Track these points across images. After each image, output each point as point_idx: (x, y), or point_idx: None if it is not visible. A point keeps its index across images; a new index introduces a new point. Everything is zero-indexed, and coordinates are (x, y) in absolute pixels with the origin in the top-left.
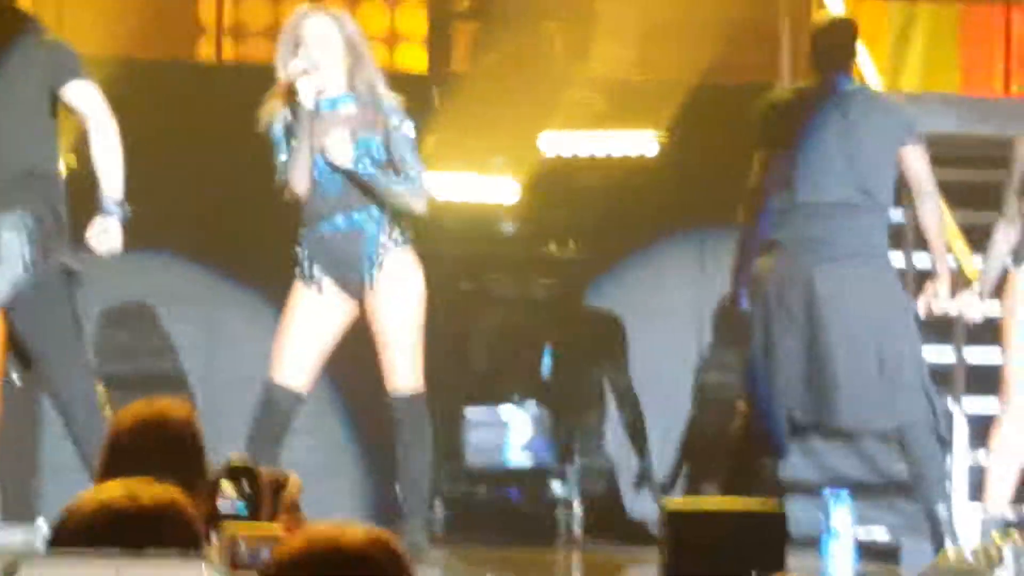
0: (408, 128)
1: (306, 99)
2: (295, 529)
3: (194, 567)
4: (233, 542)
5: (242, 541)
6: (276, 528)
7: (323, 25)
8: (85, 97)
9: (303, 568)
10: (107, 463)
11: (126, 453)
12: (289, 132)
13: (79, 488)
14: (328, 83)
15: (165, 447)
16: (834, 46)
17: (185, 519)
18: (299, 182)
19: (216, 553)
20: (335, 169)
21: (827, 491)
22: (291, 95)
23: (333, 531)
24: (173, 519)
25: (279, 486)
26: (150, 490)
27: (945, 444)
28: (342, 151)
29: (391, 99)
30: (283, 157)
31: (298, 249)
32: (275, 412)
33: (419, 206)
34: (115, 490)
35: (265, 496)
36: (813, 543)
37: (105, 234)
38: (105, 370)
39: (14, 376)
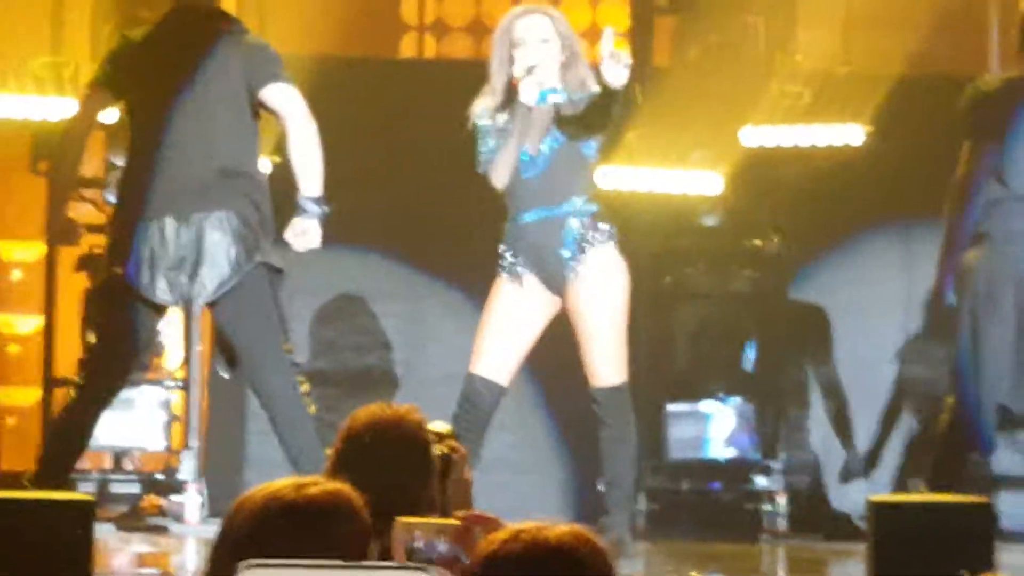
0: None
1: (529, 98)
2: (466, 510)
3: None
4: (410, 534)
5: (419, 533)
6: (452, 520)
7: (540, 24)
8: (283, 99)
9: (508, 565)
10: (339, 461)
11: (360, 452)
12: (496, 126)
13: None
14: (545, 81)
15: (399, 448)
16: None
17: (353, 511)
18: (501, 176)
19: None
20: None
21: None
22: (510, 92)
23: (536, 528)
24: (341, 511)
25: (446, 465)
26: (319, 483)
27: None
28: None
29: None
30: (487, 147)
31: (501, 243)
32: (477, 405)
33: (619, 110)
34: (285, 482)
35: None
36: (1017, 538)
37: (304, 234)
38: (310, 366)
39: (220, 370)
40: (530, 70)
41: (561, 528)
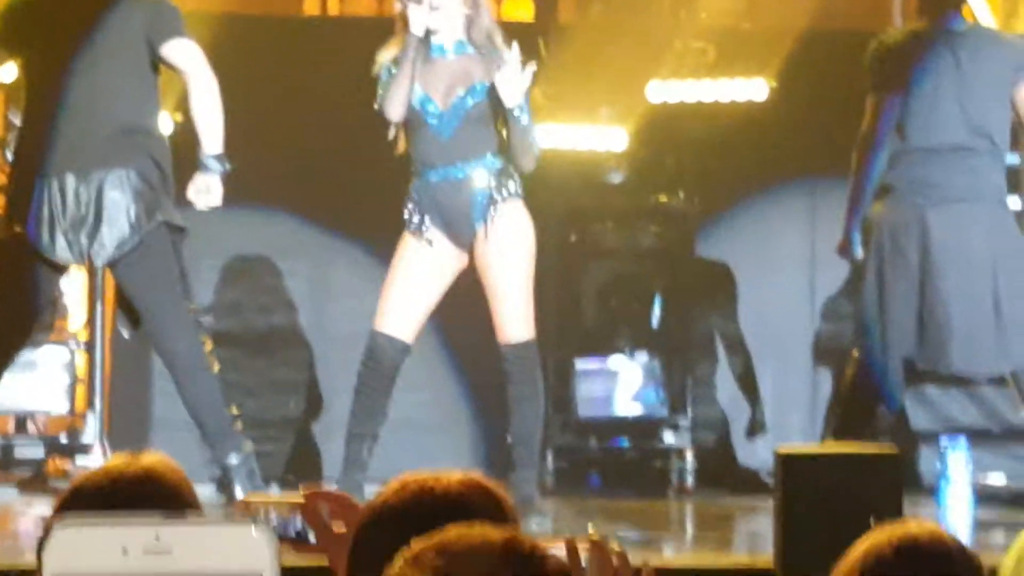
0: (524, 79)
1: (415, 26)
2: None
3: (242, 529)
4: (264, 515)
5: (272, 512)
6: (297, 498)
7: None
8: (185, 55)
9: (399, 514)
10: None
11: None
12: (396, 63)
13: (188, 445)
14: (444, 27)
15: None
16: None
17: (167, 484)
18: (394, 107)
19: None
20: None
21: (943, 439)
22: (403, 24)
23: (427, 477)
24: (154, 485)
25: None
26: (132, 464)
27: None
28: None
29: (508, 50)
30: (384, 78)
31: (407, 200)
32: (381, 362)
33: (528, 163)
34: (103, 467)
35: None
36: (930, 491)
37: (206, 191)
38: (215, 327)
39: (123, 331)
40: (420, 2)
41: (452, 476)
